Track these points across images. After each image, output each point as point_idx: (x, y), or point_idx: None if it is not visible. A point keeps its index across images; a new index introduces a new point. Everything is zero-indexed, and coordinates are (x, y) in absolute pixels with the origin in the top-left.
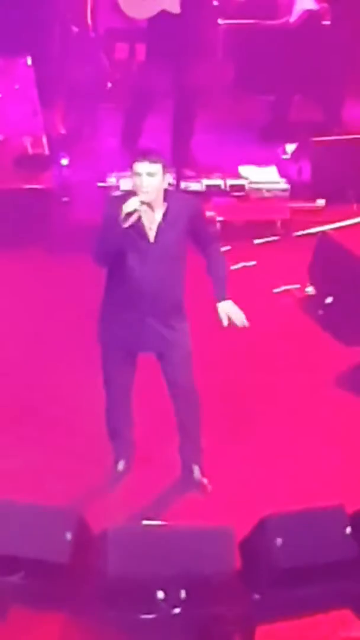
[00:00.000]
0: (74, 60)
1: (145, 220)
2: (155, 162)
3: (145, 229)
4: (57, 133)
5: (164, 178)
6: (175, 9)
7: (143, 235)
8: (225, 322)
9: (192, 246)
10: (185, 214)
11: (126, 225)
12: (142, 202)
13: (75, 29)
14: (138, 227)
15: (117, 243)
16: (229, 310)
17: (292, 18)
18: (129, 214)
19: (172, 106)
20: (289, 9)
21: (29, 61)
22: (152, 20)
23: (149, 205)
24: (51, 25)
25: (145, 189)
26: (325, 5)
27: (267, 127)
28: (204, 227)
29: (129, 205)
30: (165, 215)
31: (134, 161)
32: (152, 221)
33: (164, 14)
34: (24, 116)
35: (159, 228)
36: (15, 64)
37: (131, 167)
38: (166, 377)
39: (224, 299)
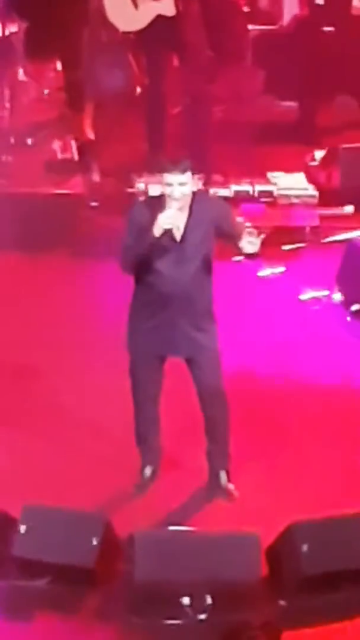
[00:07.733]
0: (103, 65)
1: None
2: (185, 171)
3: (173, 229)
4: (86, 138)
5: (193, 183)
6: (171, 11)
7: (170, 235)
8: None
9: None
10: (212, 213)
11: (158, 234)
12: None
13: (104, 34)
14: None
15: (146, 251)
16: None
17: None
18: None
19: (186, 112)
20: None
21: (59, 66)
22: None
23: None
24: (80, 30)
25: (179, 198)
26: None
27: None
28: (233, 223)
29: (168, 222)
30: (191, 215)
31: (163, 170)
32: (179, 221)
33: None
34: (53, 121)
35: (186, 228)
36: (45, 69)
37: (160, 173)
38: (195, 381)
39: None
